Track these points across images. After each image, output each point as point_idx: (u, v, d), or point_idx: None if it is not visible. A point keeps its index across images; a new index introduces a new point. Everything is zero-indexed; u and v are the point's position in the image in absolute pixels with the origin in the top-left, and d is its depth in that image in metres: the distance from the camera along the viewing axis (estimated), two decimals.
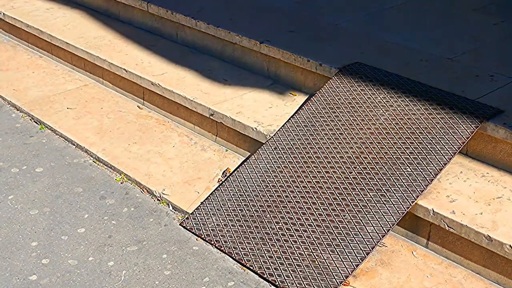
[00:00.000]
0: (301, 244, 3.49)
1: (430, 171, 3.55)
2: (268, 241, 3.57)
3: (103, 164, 4.41)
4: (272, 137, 4.08)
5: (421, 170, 3.56)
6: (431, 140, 3.70)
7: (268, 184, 3.83)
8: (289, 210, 3.65)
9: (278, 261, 3.46)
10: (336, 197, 3.61)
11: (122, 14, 5.98)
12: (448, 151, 3.62)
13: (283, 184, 3.79)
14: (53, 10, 6.29)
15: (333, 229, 3.49)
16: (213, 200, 3.91)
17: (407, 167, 3.60)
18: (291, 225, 3.58)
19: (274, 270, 3.42)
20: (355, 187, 3.61)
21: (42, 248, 3.66)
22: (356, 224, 3.46)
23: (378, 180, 3.60)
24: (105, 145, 4.56)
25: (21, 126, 4.89)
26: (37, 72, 5.66)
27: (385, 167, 3.64)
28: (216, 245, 3.66)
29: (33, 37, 6.02)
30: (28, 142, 4.68)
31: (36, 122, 4.92)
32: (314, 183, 3.72)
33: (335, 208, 3.57)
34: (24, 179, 4.26)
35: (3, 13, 6.28)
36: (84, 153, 4.55)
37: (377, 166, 3.66)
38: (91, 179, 4.27)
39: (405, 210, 3.44)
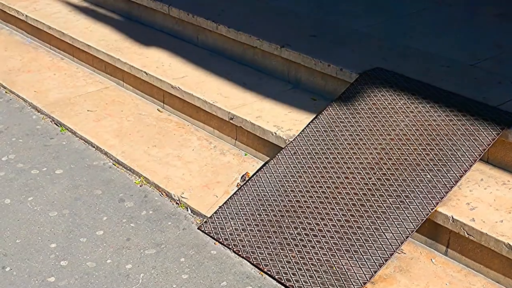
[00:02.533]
0: (319, 249, 3.48)
1: (450, 178, 3.53)
2: (286, 246, 3.56)
3: (122, 166, 4.43)
4: (291, 141, 4.07)
5: (441, 177, 3.54)
6: (452, 147, 3.67)
7: (287, 189, 3.82)
8: (307, 215, 3.64)
9: (296, 266, 3.45)
10: (355, 202, 3.59)
11: (143, 16, 6.00)
12: (469, 158, 3.60)
13: (302, 189, 3.78)
14: (75, 13, 6.32)
15: (352, 235, 3.47)
16: (231, 204, 3.90)
17: (427, 173, 3.58)
18: (310, 231, 3.57)
19: (292, 276, 3.41)
20: (374, 193, 3.60)
21: (60, 250, 3.68)
22: (374, 230, 3.44)
23: (397, 186, 3.58)
24: (124, 147, 4.57)
25: (41, 127, 4.92)
26: (58, 74, 5.69)
27: (405, 173, 3.62)
28: (234, 249, 3.66)
29: (55, 39, 6.06)
30: (48, 144, 4.70)
31: (56, 124, 4.95)
32: (333, 189, 3.70)
33: (353, 214, 3.55)
34: (44, 180, 4.28)
35: (26, 15, 6.32)
36: (103, 155, 4.56)
37: (396, 172, 3.64)
38: (110, 181, 4.28)
39: (425, 217, 3.41)
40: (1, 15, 6.81)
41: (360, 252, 3.39)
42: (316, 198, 3.70)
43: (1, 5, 6.67)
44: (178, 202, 4.07)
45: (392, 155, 3.74)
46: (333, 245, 3.47)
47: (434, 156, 3.66)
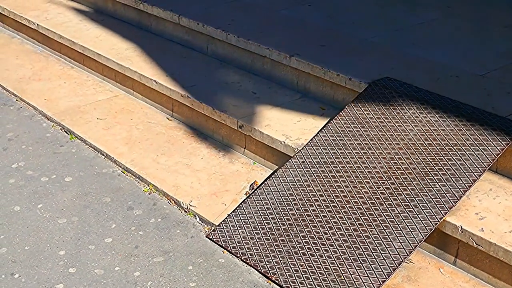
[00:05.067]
0: (327, 258, 3.48)
1: (459, 187, 3.52)
2: (294, 255, 3.56)
3: (131, 174, 4.44)
4: (300, 150, 4.08)
5: (450, 187, 3.53)
6: (461, 157, 3.67)
7: (295, 198, 3.82)
8: (316, 224, 3.64)
9: (303, 275, 3.45)
10: (364, 212, 3.59)
11: (153, 26, 6.03)
12: (478, 168, 3.59)
13: (310, 198, 3.78)
14: (85, 22, 6.35)
15: (360, 244, 3.47)
16: (240, 213, 3.91)
17: (436, 183, 3.58)
18: (318, 239, 3.57)
19: (300, 284, 3.41)
20: (382, 202, 3.59)
21: (69, 257, 3.69)
22: (383, 239, 3.44)
23: (406, 196, 3.57)
24: (133, 155, 4.58)
25: (51, 135, 4.94)
26: (69, 82, 5.72)
27: (414, 182, 3.62)
28: (242, 257, 3.66)
29: (65, 48, 6.09)
30: (58, 152, 4.72)
31: (66, 132, 4.97)
32: (342, 198, 3.70)
33: (362, 223, 3.55)
34: (53, 188, 4.30)
35: (37, 24, 6.35)
36: (113, 163, 4.57)
37: (405, 182, 3.64)
38: (119, 189, 4.29)
39: (433, 227, 3.41)
40: (12, 24, 6.85)
41: (369, 261, 3.38)
42: (325, 207, 3.70)
43: (12, 14, 6.72)
44: (186, 210, 4.07)
45: (401, 164, 3.74)
46: (341, 254, 3.47)
47: (443, 165, 3.65)
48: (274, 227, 3.73)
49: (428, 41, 5.01)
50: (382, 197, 3.62)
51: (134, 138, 4.79)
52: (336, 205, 3.68)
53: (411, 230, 3.42)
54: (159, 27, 5.97)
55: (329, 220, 3.63)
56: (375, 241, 3.45)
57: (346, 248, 3.48)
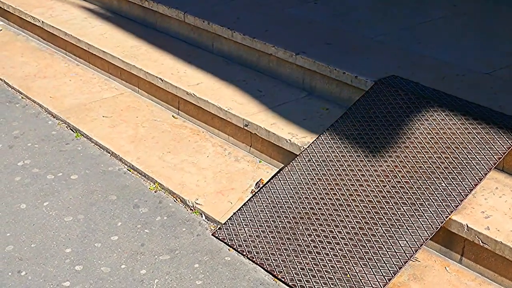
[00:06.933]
0: (333, 256, 3.48)
1: (465, 186, 3.52)
2: (300, 253, 3.56)
3: (137, 172, 4.44)
4: (306, 149, 4.07)
5: (456, 185, 3.53)
6: (467, 155, 3.66)
7: (301, 196, 3.82)
8: (321, 222, 3.64)
9: (309, 273, 3.45)
10: (370, 210, 3.59)
11: (159, 23, 6.03)
12: (484, 166, 3.59)
13: (316, 196, 3.78)
14: (91, 19, 6.35)
15: (366, 242, 3.47)
16: (245, 211, 3.91)
17: (442, 181, 3.57)
18: (324, 238, 3.57)
19: (306, 282, 3.41)
20: (388, 200, 3.59)
21: (75, 255, 3.69)
22: (389, 238, 3.44)
23: (412, 194, 3.57)
24: (139, 153, 4.59)
25: (57, 133, 4.94)
26: (74, 80, 5.72)
27: (420, 181, 3.62)
28: (248, 255, 3.66)
29: (71, 45, 6.09)
30: (63, 149, 4.72)
31: (72, 130, 4.97)
32: (347, 196, 3.70)
33: (368, 221, 3.55)
34: (59, 186, 4.30)
35: (42, 21, 6.36)
36: (118, 161, 4.58)
37: (411, 180, 3.64)
38: (125, 187, 4.30)
39: (439, 225, 3.41)
40: (17, 22, 6.86)
41: (374, 260, 3.39)
42: (330, 205, 3.70)
43: (18, 11, 6.72)
44: (192, 208, 4.08)
45: (407, 163, 3.74)
46: (347, 252, 3.47)
47: (449, 164, 3.65)
48: (280, 225, 3.73)
49: (434, 39, 5.01)
50: (388, 195, 3.62)
51: (140, 136, 4.80)
52: (342, 203, 3.69)
53: (417, 229, 3.42)
54: (164, 25, 5.97)
55: (335, 218, 3.63)
56: (381, 240, 3.45)
57: (352, 246, 3.48)
